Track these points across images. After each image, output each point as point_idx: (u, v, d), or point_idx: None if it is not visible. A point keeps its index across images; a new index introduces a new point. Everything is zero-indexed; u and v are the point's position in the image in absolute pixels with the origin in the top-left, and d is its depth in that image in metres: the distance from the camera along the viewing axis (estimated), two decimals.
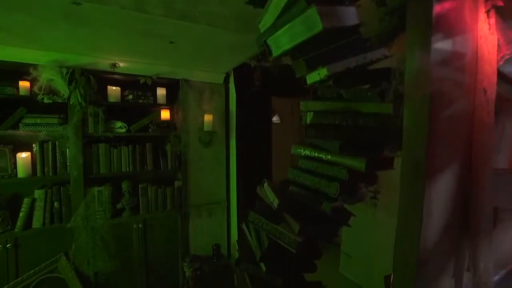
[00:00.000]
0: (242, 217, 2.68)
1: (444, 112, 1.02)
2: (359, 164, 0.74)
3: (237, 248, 1.07)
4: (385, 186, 2.65)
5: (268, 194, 0.88)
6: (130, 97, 2.45)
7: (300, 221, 0.77)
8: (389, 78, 0.79)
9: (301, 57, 0.80)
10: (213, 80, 2.76)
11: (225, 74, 2.80)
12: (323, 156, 0.80)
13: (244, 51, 2.10)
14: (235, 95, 2.76)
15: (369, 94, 0.75)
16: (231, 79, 2.79)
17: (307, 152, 0.85)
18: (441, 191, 1.08)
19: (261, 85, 2.26)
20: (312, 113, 0.79)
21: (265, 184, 0.93)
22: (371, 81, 0.79)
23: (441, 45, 1.00)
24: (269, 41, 0.82)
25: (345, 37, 0.77)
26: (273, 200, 0.85)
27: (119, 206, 2.41)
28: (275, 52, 0.81)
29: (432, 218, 1.06)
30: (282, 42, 0.78)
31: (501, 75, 1.38)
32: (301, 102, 0.84)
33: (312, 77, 0.80)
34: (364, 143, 0.82)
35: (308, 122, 0.79)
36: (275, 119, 4.31)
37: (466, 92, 1.12)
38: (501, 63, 1.32)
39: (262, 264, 0.85)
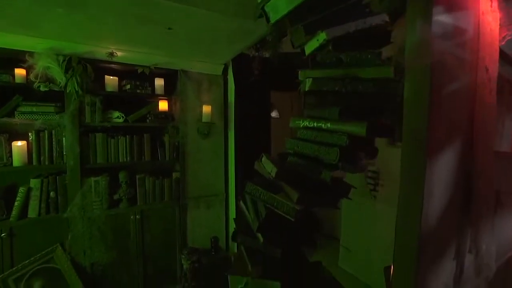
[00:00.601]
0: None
1: (445, 87, 1.00)
2: (359, 129, 0.72)
3: (235, 226, 1.05)
4: (385, 178, 2.64)
5: (266, 166, 0.86)
6: (128, 87, 2.43)
7: (299, 190, 0.75)
8: (389, 42, 0.77)
9: (299, 23, 0.78)
10: (211, 71, 2.74)
11: (223, 66, 2.78)
12: (322, 125, 0.78)
13: (242, 39, 2.08)
14: (233, 87, 2.74)
15: (369, 56, 0.73)
16: (230, 70, 2.77)
17: (306, 123, 0.82)
18: (442, 170, 1.06)
19: (259, 74, 2.24)
20: (310, 79, 0.76)
21: (263, 158, 0.91)
22: (371, 45, 0.77)
23: (442, 18, 0.98)
24: (266, 8, 0.80)
25: (344, 1, 0.75)
26: (271, 170, 0.83)
27: (116, 196, 2.38)
28: (273, 18, 0.79)
29: (433, 198, 1.04)
30: (280, 6, 0.76)
31: (503, 56, 1.36)
32: (299, 72, 0.82)
33: (311, 45, 0.78)
34: (364, 109, 0.79)
35: (306, 89, 0.77)
36: (274, 114, 4.28)
37: (467, 69, 1.10)
38: (502, 43, 1.31)
39: (259, 235, 0.83)
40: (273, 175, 0.82)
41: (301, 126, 0.85)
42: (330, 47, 0.74)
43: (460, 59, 1.06)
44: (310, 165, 0.79)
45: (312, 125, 0.81)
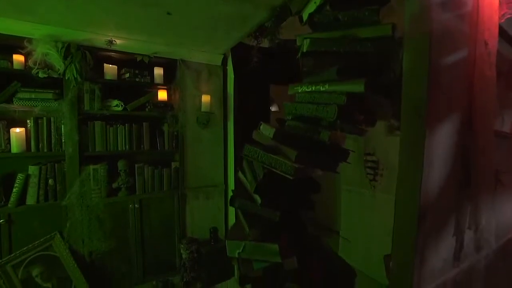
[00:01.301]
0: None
1: (444, 57, 1.00)
2: (357, 86, 0.71)
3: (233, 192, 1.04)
4: (384, 168, 2.63)
5: (265, 131, 0.85)
6: (127, 75, 2.42)
7: (298, 150, 0.74)
8: (388, 1, 0.77)
9: None
10: (210, 61, 2.74)
11: (222, 56, 2.78)
12: (321, 87, 0.77)
13: (241, 26, 2.07)
14: (233, 78, 2.73)
15: (366, 13, 0.73)
16: (229, 61, 2.76)
17: (304, 88, 0.82)
18: (442, 140, 1.06)
19: (258, 61, 2.23)
20: (308, 40, 0.76)
21: (262, 126, 0.90)
22: (369, 3, 0.76)
23: None
24: None
25: None
26: (270, 132, 0.82)
27: (115, 185, 2.37)
28: None
29: (433, 169, 1.04)
30: None
31: (502, 34, 1.35)
32: (297, 37, 0.81)
33: (309, 8, 0.77)
34: (363, 70, 0.79)
35: (304, 50, 0.77)
36: (274, 108, 4.27)
37: (466, 42, 1.10)
38: (502, 20, 1.30)
39: (257, 197, 0.82)
40: (271, 136, 0.81)
41: (300, 91, 0.84)
42: (328, 7, 0.74)
43: (459, 31, 1.06)
44: (309, 127, 0.79)
45: (310, 89, 0.80)
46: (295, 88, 0.87)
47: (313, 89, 0.79)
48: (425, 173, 1.01)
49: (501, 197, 1.42)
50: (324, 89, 0.77)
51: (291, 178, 0.72)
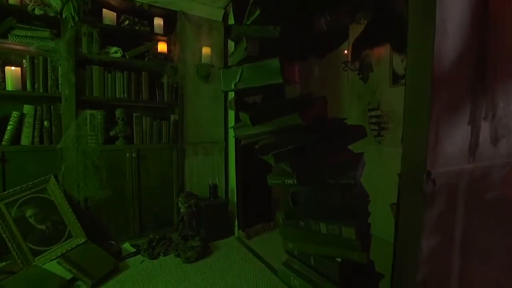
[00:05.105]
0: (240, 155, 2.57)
1: None
2: None
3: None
4: (389, 121, 2.55)
5: None
6: (126, 22, 2.37)
7: None
8: None
9: None
10: (211, 15, 2.69)
11: (223, 11, 2.73)
12: None
13: None
14: None
15: None
16: (230, 16, 2.71)
17: None
18: (456, 6, 0.98)
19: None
20: None
21: None
22: None
23: None
24: None
25: None
26: None
27: (112, 133, 2.31)
28: None
29: (447, 35, 0.96)
30: None
31: None
32: None
33: None
34: None
35: None
36: None
37: None
38: None
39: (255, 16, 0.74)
40: None
41: None
42: None
43: None
44: None
45: None
46: None
47: None
48: (438, 35, 0.93)
49: None
50: None
51: None
